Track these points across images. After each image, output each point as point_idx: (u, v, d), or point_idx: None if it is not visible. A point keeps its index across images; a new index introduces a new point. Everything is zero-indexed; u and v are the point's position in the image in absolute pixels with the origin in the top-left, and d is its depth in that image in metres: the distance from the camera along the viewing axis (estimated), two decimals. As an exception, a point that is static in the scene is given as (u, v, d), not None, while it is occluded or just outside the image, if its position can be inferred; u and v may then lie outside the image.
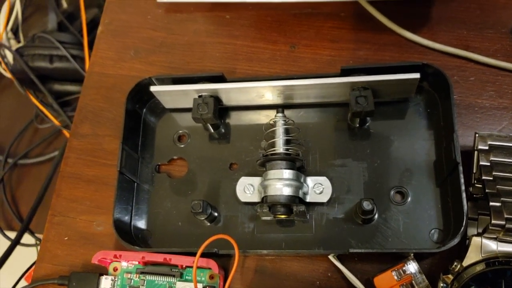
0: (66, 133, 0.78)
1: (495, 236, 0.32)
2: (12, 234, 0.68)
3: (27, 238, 0.72)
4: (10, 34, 0.81)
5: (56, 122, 0.75)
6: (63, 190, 0.44)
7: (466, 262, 0.32)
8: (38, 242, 0.73)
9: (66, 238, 0.43)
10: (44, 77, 0.76)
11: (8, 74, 0.74)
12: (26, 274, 0.66)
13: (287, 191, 0.36)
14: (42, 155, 0.82)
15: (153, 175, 0.43)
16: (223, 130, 0.43)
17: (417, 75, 0.37)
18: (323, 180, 0.39)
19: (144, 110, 0.44)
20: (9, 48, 0.72)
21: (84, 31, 0.76)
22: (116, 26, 0.49)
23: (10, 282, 0.54)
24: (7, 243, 0.62)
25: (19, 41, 0.79)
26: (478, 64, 0.41)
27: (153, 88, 0.41)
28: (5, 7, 0.79)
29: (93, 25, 0.78)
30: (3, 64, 0.74)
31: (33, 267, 0.67)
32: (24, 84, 0.76)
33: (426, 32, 0.43)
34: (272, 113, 0.42)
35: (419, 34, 0.43)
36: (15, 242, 0.63)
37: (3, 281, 0.60)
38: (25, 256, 0.73)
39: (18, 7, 0.82)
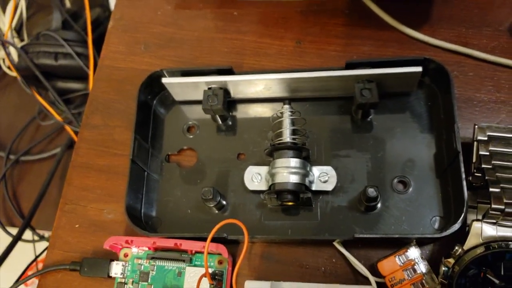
0: (69, 129, 0.79)
1: (494, 221, 0.34)
2: (14, 230, 0.69)
3: (28, 235, 0.73)
4: (14, 33, 0.82)
5: (59, 118, 0.76)
6: (74, 179, 0.45)
7: (466, 246, 0.34)
8: (38, 238, 0.74)
9: (77, 226, 0.44)
10: (48, 74, 0.77)
11: (13, 72, 0.75)
12: (28, 269, 0.68)
13: (294, 178, 0.38)
14: (44, 152, 0.83)
15: (163, 164, 0.44)
16: (230, 122, 0.45)
17: (419, 69, 0.39)
18: (329, 169, 0.40)
19: (155, 102, 0.46)
20: (15, 46, 0.73)
21: (88, 29, 0.77)
22: (127, 22, 0.50)
23: (10, 278, 0.55)
24: (8, 239, 0.63)
25: (22, 39, 0.81)
26: (476, 60, 0.43)
27: (164, 80, 0.42)
28: (10, 5, 0.80)
29: (96, 24, 0.80)
30: (7, 61, 0.75)
31: (33, 263, 0.68)
32: (28, 81, 0.77)
33: (427, 29, 0.45)
34: (278, 106, 0.43)
35: (420, 31, 0.45)
36: (17, 238, 0.64)
37: (3, 276, 0.61)
38: (25, 252, 0.74)
39: (23, 6, 0.83)
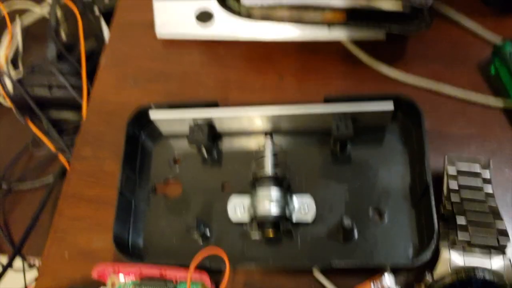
0: (62, 158, 0.80)
1: (461, 249, 0.36)
2: (4, 258, 0.69)
3: (18, 264, 0.74)
4: (9, 65, 0.84)
5: (52, 147, 0.78)
6: (65, 209, 0.47)
7: (436, 274, 0.36)
8: (28, 267, 0.74)
9: (66, 254, 0.45)
10: (42, 104, 0.79)
11: (7, 103, 0.77)
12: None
13: (275, 210, 0.40)
14: (37, 181, 0.84)
15: (150, 195, 0.46)
16: (215, 154, 0.47)
17: (391, 107, 0.41)
18: (308, 200, 0.42)
19: (142, 134, 0.48)
20: (11, 78, 0.75)
21: (82, 62, 0.79)
22: (118, 57, 0.53)
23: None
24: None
25: (17, 69, 0.82)
26: (447, 96, 0.46)
27: (152, 116, 0.44)
28: (6, 37, 0.82)
29: (90, 55, 0.82)
30: (2, 92, 0.76)
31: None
32: (22, 111, 0.79)
33: (402, 67, 0.47)
34: (261, 139, 0.45)
35: (396, 68, 0.47)
36: (7, 266, 0.64)
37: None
38: (16, 281, 0.75)
39: (19, 37, 0.85)
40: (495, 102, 0.45)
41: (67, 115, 0.84)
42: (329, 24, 0.46)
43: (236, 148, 0.47)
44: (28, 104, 0.76)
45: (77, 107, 0.80)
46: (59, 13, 0.91)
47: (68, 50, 0.86)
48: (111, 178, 0.47)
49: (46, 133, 0.81)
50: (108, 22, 0.86)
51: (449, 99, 0.46)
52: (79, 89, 0.78)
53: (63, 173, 0.82)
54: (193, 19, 0.50)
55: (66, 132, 0.82)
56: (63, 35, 0.94)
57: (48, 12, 0.85)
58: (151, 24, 0.53)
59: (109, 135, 0.49)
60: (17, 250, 0.68)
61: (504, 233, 0.35)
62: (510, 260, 0.35)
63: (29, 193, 0.82)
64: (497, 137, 0.44)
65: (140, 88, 0.51)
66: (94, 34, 0.88)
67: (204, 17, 0.50)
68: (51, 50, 0.85)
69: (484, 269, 0.35)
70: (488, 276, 0.34)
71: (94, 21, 0.88)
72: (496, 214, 0.36)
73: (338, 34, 0.48)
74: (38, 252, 0.79)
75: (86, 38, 0.82)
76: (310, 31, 0.48)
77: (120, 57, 0.53)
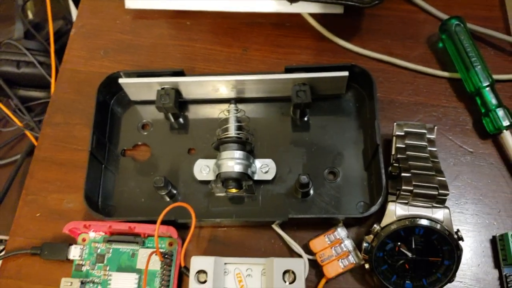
0: (29, 135, 0.81)
1: (406, 202, 0.39)
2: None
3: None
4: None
5: (20, 124, 0.79)
6: (36, 172, 0.49)
7: (383, 224, 0.39)
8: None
9: (38, 215, 0.47)
10: (10, 82, 0.80)
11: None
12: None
13: (238, 168, 0.43)
14: (4, 159, 0.85)
15: (119, 158, 0.48)
16: (182, 121, 0.49)
17: (346, 73, 0.45)
18: (269, 161, 0.45)
19: (112, 101, 0.50)
20: (-23, 54, 0.75)
21: (51, 38, 0.80)
22: (88, 29, 0.55)
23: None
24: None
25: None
26: (399, 67, 0.50)
27: (121, 80, 0.47)
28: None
29: (58, 35, 0.83)
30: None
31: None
32: (-11, 90, 0.79)
33: (357, 41, 0.51)
34: (226, 107, 0.48)
35: (351, 42, 0.51)
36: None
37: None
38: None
39: (-16, 16, 0.85)
40: (442, 73, 0.49)
41: (35, 93, 0.84)
42: (291, -1, 0.49)
43: (202, 116, 0.49)
44: (-3, 81, 0.77)
45: (45, 86, 0.81)
46: (25, -9, 0.91)
47: (35, 29, 0.86)
48: (81, 143, 0.49)
49: (13, 112, 0.82)
50: (76, 3, 0.87)
51: (399, 71, 0.50)
52: (47, 66, 0.79)
53: (31, 151, 0.83)
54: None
55: (34, 111, 0.83)
56: (29, 14, 0.95)
57: (15, -9, 0.85)
58: (120, -3, 0.55)
59: (79, 103, 0.51)
60: None
61: (444, 186, 0.38)
62: (449, 210, 0.39)
63: None
64: (442, 105, 0.48)
65: (110, 59, 0.53)
66: (62, 15, 0.89)
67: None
68: (19, 29, 0.86)
69: (425, 217, 0.38)
70: (429, 223, 0.38)
71: (62, 1, 0.89)
72: (438, 170, 0.40)
73: (299, 8, 0.51)
74: (5, 228, 0.80)
75: (54, 18, 0.83)
76: (272, 5, 0.51)
77: (90, 29, 0.55)
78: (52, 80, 0.77)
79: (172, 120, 0.49)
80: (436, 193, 0.38)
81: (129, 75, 0.47)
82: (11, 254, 0.45)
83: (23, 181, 0.84)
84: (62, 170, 0.48)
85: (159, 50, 0.53)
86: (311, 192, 0.44)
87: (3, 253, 0.46)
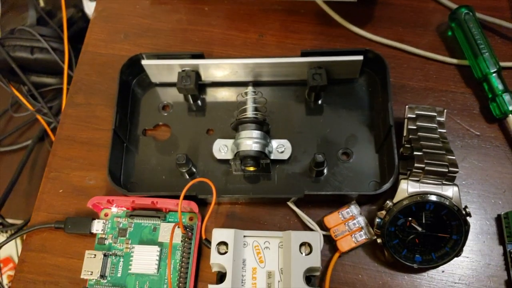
0: (41, 119, 0.83)
1: (417, 179, 0.42)
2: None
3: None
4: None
5: (32, 108, 0.80)
6: (59, 150, 0.51)
7: (395, 200, 0.42)
8: (7, 227, 0.76)
9: (61, 191, 0.49)
10: (22, 68, 0.81)
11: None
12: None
13: (256, 146, 0.45)
14: (16, 144, 0.87)
15: (140, 137, 0.50)
16: (200, 103, 0.51)
17: (360, 57, 0.47)
18: (285, 142, 0.47)
19: (134, 82, 0.52)
20: (-9, 39, 0.77)
21: (64, 25, 0.81)
22: (108, 13, 0.56)
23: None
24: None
25: (-4, 36, 0.84)
26: (410, 54, 0.52)
27: (144, 62, 0.48)
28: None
29: (70, 23, 0.84)
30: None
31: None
32: (2, 74, 0.81)
33: (370, 28, 0.53)
34: (243, 90, 0.50)
35: (364, 29, 0.53)
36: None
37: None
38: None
39: (-3, 3, 0.86)
40: (450, 60, 0.51)
41: (48, 79, 0.86)
42: (306, -14, 0.51)
43: (220, 98, 0.51)
44: (8, 67, 0.78)
45: (58, 72, 0.83)
46: (37, -21, 0.92)
47: (47, 16, 0.88)
48: (103, 123, 0.51)
49: (25, 97, 0.84)
50: (88, -9, 0.89)
51: (410, 57, 0.52)
52: (60, 53, 0.81)
53: (42, 136, 0.85)
54: (181, -22, 0.54)
55: (46, 97, 0.85)
56: (41, 2, 0.96)
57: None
58: (140, -17, 0.56)
59: (101, 84, 0.53)
60: None
61: (454, 164, 0.41)
62: (458, 188, 0.41)
63: (7, 155, 0.85)
64: (451, 90, 0.50)
65: (130, 42, 0.55)
66: (73, 3, 0.91)
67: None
68: (32, 15, 0.87)
69: (436, 193, 0.41)
70: (440, 199, 0.40)
71: (72, -11, 0.90)
72: (448, 150, 0.42)
73: (314, -5, 0.53)
74: (17, 213, 0.81)
75: (66, 6, 0.85)
76: (288, -8, 0.53)
77: (111, 13, 0.56)
78: (65, 66, 0.79)
79: (191, 101, 0.51)
80: (447, 170, 0.40)
81: (150, 57, 0.49)
82: (35, 228, 0.47)
83: (34, 166, 0.87)
84: (84, 148, 0.50)
85: (178, 35, 0.55)
86: (325, 171, 0.46)
87: (17, 234, 0.48)
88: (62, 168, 0.50)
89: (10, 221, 0.78)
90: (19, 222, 0.77)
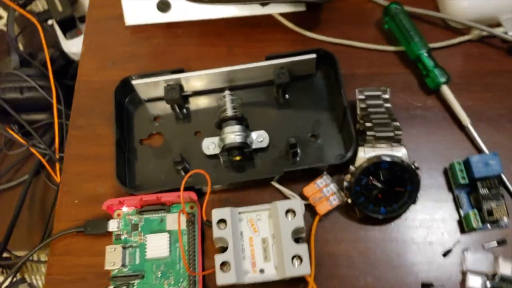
0: (36, 153, 0.89)
1: (371, 145, 0.51)
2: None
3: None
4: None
5: (24, 142, 0.87)
6: (69, 168, 0.58)
7: (356, 164, 0.51)
8: (16, 259, 0.80)
9: (76, 201, 0.57)
10: (13, 108, 0.89)
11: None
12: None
13: (238, 138, 0.53)
14: (13, 180, 0.93)
15: (138, 147, 0.58)
16: (185, 111, 0.60)
17: (314, 55, 0.56)
18: (262, 132, 0.56)
19: (126, 101, 0.60)
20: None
21: (48, 63, 0.89)
22: (95, 46, 0.65)
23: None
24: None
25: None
26: (355, 48, 0.61)
27: (134, 82, 0.57)
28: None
29: (52, 61, 0.92)
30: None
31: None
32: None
33: (320, 31, 0.63)
34: (222, 94, 0.59)
35: (315, 32, 0.62)
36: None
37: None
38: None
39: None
40: (389, 48, 0.61)
41: (37, 116, 0.93)
42: (263, 3, 0.61)
43: (203, 105, 0.60)
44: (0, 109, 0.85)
45: (45, 108, 0.90)
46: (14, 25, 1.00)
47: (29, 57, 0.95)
48: (104, 139, 0.59)
49: (17, 134, 0.91)
50: (64, 30, 0.97)
51: (356, 50, 0.61)
52: (47, 89, 0.88)
53: (38, 170, 0.91)
54: (154, 8, 0.63)
55: (37, 133, 0.91)
56: (20, 46, 1.04)
57: (4, 24, 0.93)
58: (119, 16, 0.65)
59: (98, 106, 0.61)
60: (2, 248, 0.75)
61: (398, 128, 0.50)
62: (405, 149, 0.51)
63: (6, 193, 0.92)
64: (392, 73, 0.60)
65: (117, 68, 0.63)
66: (51, 43, 0.98)
67: (163, 5, 0.63)
68: (15, 59, 0.95)
69: (388, 154, 0.50)
70: (392, 158, 0.50)
71: (49, 29, 0.99)
72: (393, 119, 0.52)
73: (270, 9, 0.62)
74: (21, 245, 0.87)
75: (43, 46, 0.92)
76: (247, 9, 0.62)
77: (97, 45, 0.65)
78: (54, 101, 0.86)
79: (178, 110, 0.59)
80: (393, 134, 0.50)
81: (138, 77, 0.58)
82: (59, 235, 0.54)
83: (33, 199, 0.92)
84: (91, 163, 0.58)
85: (158, 56, 0.64)
86: (299, 151, 0.55)
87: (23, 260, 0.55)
88: (74, 182, 0.58)
89: (15, 253, 0.82)
90: (23, 253, 0.82)
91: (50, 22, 1.01)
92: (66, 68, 0.98)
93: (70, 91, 0.81)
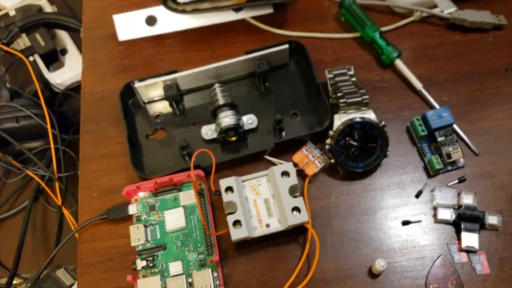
0: (35, 176, 0.95)
1: (344, 111, 0.61)
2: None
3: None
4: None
5: (19, 165, 0.93)
6: (85, 167, 0.66)
7: (334, 128, 0.61)
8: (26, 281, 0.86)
9: (95, 195, 0.64)
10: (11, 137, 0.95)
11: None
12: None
13: (232, 121, 0.63)
14: (14, 208, 0.98)
15: (144, 141, 0.67)
16: (181, 107, 0.69)
17: (286, 45, 0.67)
18: (251, 116, 0.66)
19: (130, 103, 0.69)
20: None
21: (38, 90, 0.95)
22: (94, 62, 0.74)
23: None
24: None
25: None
26: (319, 39, 0.72)
27: (136, 85, 0.66)
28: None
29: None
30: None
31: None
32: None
33: (288, 27, 0.73)
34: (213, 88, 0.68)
35: (284, 29, 0.73)
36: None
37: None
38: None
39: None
40: (347, 35, 0.72)
41: (32, 144, 1.00)
42: (236, 9, 0.71)
43: (196, 100, 0.69)
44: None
45: (40, 136, 0.97)
46: (-1, 61, 1.07)
47: (16, 92, 1.02)
48: (113, 139, 0.67)
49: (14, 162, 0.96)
50: (47, 63, 1.05)
51: (321, 41, 0.72)
52: (41, 116, 0.95)
53: (36, 196, 0.97)
54: (143, 23, 0.73)
55: (33, 161, 0.97)
56: (7, 84, 1.10)
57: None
58: (111, 35, 0.74)
59: (103, 112, 0.69)
60: (13, 274, 0.80)
61: (364, 94, 0.61)
62: (373, 110, 0.61)
63: (8, 220, 0.97)
64: (353, 55, 0.71)
65: (117, 78, 0.72)
66: (36, 76, 1.06)
67: (151, 20, 0.73)
68: (5, 94, 1.01)
69: (359, 117, 0.60)
70: (362, 119, 0.60)
71: (33, 64, 1.06)
72: (360, 88, 0.62)
73: (243, 15, 0.73)
74: (29, 267, 0.92)
75: (29, 81, 0.99)
76: (224, 16, 0.73)
77: (96, 61, 0.74)
78: (48, 127, 0.93)
79: (176, 107, 0.68)
80: (360, 99, 0.60)
81: (138, 81, 0.67)
82: (85, 224, 0.62)
83: (34, 223, 0.98)
84: (104, 161, 0.66)
85: (151, 65, 0.73)
86: (284, 128, 0.65)
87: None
88: (91, 178, 0.65)
89: (24, 275, 0.87)
90: (29, 276, 0.87)
91: (31, 58, 1.08)
92: (52, 99, 1.05)
93: (61, 116, 0.91)
